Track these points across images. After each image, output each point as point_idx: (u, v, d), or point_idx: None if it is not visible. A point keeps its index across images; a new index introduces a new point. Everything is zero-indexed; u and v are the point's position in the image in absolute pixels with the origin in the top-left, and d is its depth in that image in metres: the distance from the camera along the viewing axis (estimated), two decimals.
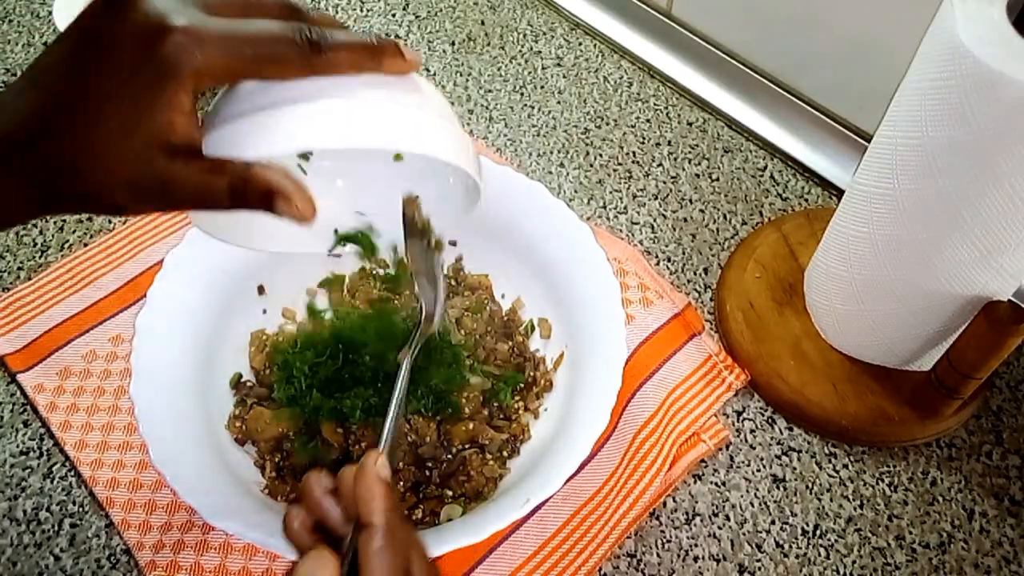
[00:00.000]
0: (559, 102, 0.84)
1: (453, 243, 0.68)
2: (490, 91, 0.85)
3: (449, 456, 0.58)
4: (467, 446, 0.58)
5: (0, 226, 0.37)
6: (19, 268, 0.71)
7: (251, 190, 0.34)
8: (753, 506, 0.59)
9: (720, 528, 0.58)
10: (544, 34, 0.90)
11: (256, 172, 0.34)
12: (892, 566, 0.57)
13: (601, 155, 0.79)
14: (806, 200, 0.76)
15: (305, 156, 0.46)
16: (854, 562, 0.57)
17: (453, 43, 0.89)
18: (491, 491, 0.57)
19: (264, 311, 0.65)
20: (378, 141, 0.36)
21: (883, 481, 0.60)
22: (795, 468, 0.61)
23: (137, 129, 0.33)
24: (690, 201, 0.76)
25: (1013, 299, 0.54)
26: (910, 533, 0.58)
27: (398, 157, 0.47)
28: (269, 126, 0.35)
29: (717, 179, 0.78)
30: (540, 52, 0.88)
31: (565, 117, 0.82)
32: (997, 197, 0.47)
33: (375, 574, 0.33)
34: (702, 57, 0.84)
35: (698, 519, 0.59)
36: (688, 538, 0.58)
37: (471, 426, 0.58)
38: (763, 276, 0.68)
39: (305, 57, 0.34)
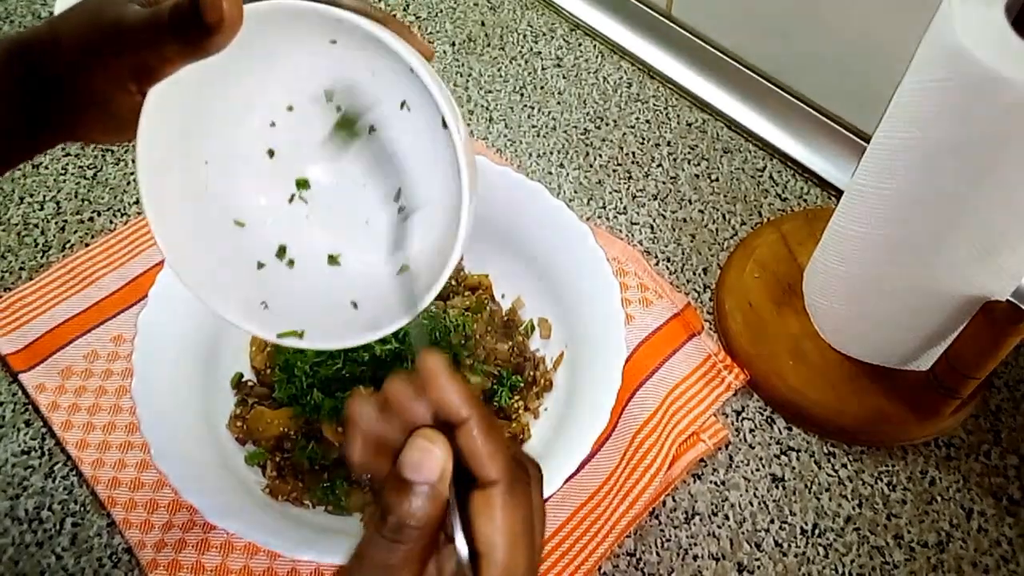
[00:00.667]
0: (559, 103, 0.84)
1: None
2: (490, 92, 0.85)
3: None
4: None
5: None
6: (20, 268, 0.71)
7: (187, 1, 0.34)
8: (752, 505, 0.59)
9: (719, 527, 0.59)
10: (544, 35, 0.90)
11: None
12: (891, 565, 0.57)
13: (601, 156, 0.80)
14: (805, 200, 0.76)
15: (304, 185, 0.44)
16: (853, 561, 0.57)
17: (453, 44, 0.89)
18: None
19: None
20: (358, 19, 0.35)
21: (882, 480, 0.61)
22: (794, 467, 0.61)
23: None
24: (689, 201, 0.76)
25: (1011, 299, 0.54)
26: (909, 532, 0.58)
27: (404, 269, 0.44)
28: None
29: (716, 179, 0.78)
30: (540, 53, 0.88)
31: (565, 118, 0.83)
32: (996, 197, 0.48)
33: (492, 458, 0.31)
34: (701, 58, 0.84)
35: (697, 518, 0.59)
36: (687, 537, 0.58)
37: None
38: (762, 276, 0.68)
39: None
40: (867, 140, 0.56)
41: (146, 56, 0.35)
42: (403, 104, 0.40)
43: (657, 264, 0.72)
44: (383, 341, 0.59)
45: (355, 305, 0.43)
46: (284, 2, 0.35)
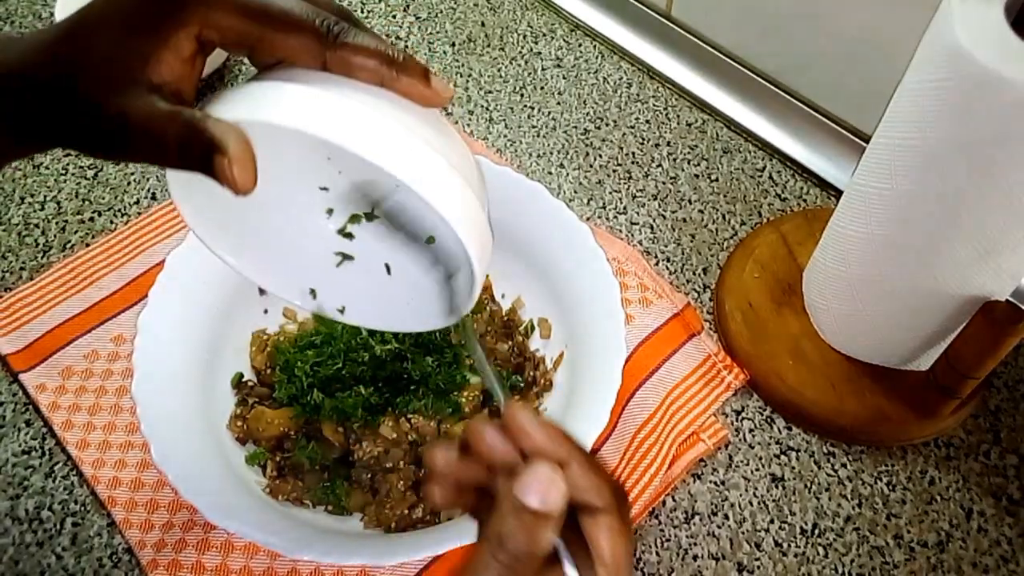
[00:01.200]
0: (559, 103, 0.84)
1: None
2: (490, 92, 0.85)
3: None
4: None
5: None
6: (21, 268, 0.71)
7: (196, 141, 0.31)
8: (752, 505, 0.60)
9: (719, 527, 0.59)
10: (544, 35, 0.90)
11: (207, 122, 0.32)
12: (890, 565, 0.57)
13: (601, 156, 0.80)
14: (804, 200, 0.76)
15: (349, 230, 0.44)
16: (852, 561, 0.57)
17: (453, 44, 0.89)
18: None
19: (265, 311, 0.66)
20: (357, 146, 0.32)
21: (881, 480, 0.61)
22: (794, 467, 0.61)
23: (126, 56, 0.32)
24: (689, 201, 0.76)
25: (1011, 299, 0.54)
26: (908, 532, 0.58)
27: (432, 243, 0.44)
28: (254, 93, 0.33)
29: (716, 179, 0.78)
30: (540, 53, 0.88)
31: (565, 118, 0.83)
32: (995, 198, 0.48)
33: (600, 489, 0.33)
34: (701, 58, 0.84)
35: (697, 518, 0.59)
36: (687, 537, 0.58)
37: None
38: (762, 276, 0.68)
39: (318, 44, 0.33)
40: (867, 140, 0.56)
41: (150, 159, 0.34)
42: None
43: (657, 264, 0.72)
44: (383, 341, 0.59)
45: (388, 269, 0.44)
46: (276, 122, 0.32)
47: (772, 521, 0.59)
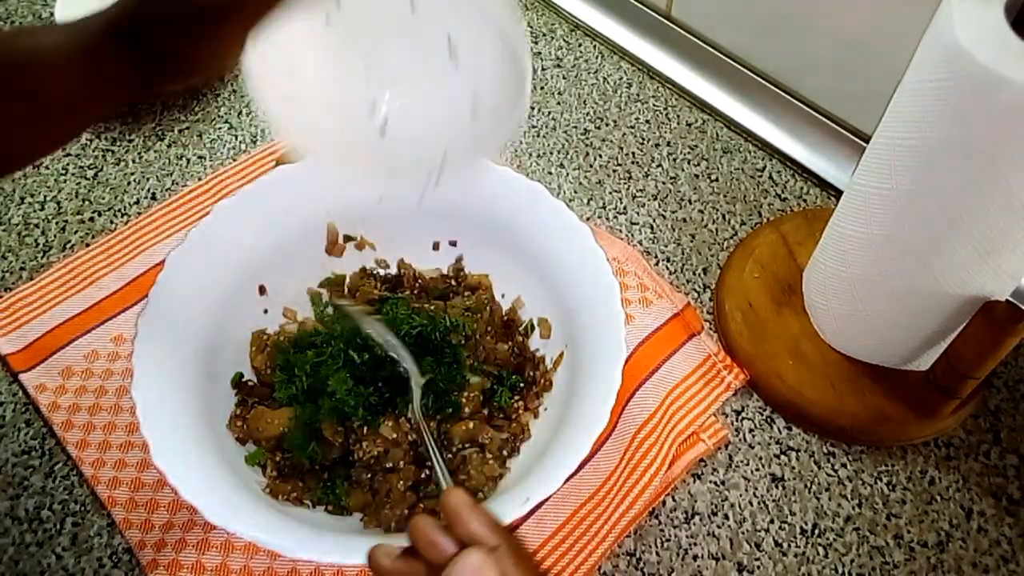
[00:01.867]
0: (559, 103, 0.84)
1: (453, 243, 0.68)
2: None
3: (449, 455, 0.58)
4: (467, 445, 0.59)
5: (110, 107, 0.45)
6: (21, 268, 0.71)
7: None
8: (752, 505, 0.60)
9: (719, 527, 0.59)
10: (544, 35, 0.90)
11: None
12: (890, 565, 0.57)
13: (601, 156, 0.80)
14: (804, 200, 0.76)
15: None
16: (852, 561, 0.57)
17: None
18: (491, 490, 0.58)
19: (265, 311, 0.66)
20: None
21: (881, 480, 0.61)
22: (794, 467, 0.61)
23: None
24: (689, 201, 0.76)
25: (1011, 299, 0.54)
26: (908, 532, 0.58)
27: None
28: None
29: (716, 180, 0.78)
30: (540, 53, 0.88)
31: (565, 118, 0.83)
32: (995, 198, 0.48)
33: None
34: (701, 58, 0.84)
35: (697, 518, 0.59)
36: (687, 537, 0.58)
37: (471, 425, 0.59)
38: (762, 276, 0.68)
39: None
40: (867, 140, 0.56)
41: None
42: None
43: (657, 264, 0.72)
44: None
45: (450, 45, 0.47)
46: None
47: (772, 521, 0.59)
